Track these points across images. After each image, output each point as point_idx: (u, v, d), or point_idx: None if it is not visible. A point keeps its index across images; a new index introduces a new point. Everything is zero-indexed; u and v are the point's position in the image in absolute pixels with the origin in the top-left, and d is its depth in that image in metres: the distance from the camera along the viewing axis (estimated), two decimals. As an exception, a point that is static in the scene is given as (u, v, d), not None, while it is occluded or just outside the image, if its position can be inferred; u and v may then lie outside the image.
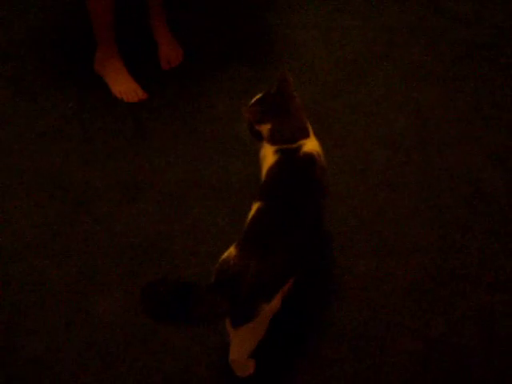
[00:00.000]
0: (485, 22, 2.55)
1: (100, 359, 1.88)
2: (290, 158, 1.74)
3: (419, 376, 1.83)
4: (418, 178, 2.17)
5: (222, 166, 2.22)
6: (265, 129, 1.77)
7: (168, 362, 1.87)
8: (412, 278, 1.98)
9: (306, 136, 1.78)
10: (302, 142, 1.76)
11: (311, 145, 1.77)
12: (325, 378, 1.84)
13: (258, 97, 1.82)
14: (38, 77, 2.46)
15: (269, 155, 1.77)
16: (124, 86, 2.37)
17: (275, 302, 1.63)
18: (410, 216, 2.09)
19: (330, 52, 2.46)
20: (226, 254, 1.63)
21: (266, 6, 2.64)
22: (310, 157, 1.75)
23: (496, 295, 1.94)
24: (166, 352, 1.89)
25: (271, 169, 1.75)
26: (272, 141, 1.77)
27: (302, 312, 1.93)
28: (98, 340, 1.91)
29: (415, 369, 1.84)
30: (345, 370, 1.84)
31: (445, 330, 1.89)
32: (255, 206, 1.70)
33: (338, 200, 2.11)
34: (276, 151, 1.76)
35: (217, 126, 2.32)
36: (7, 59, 2.50)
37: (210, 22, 2.60)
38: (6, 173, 2.24)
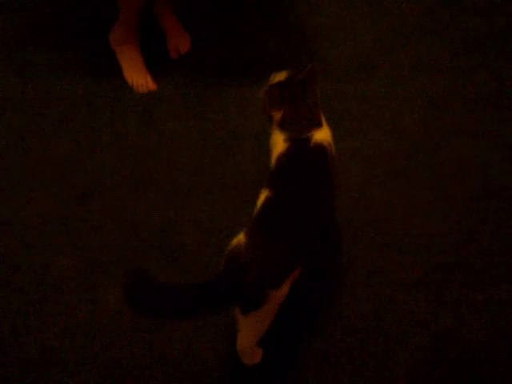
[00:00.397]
0: (496, 11, 2.53)
1: (107, 348, 1.89)
2: (300, 147, 1.74)
3: (426, 369, 1.83)
4: (427, 169, 2.16)
5: (231, 155, 2.22)
6: (277, 114, 1.77)
7: (176, 351, 1.88)
8: (420, 269, 1.98)
9: (318, 126, 1.77)
10: (313, 132, 1.75)
11: (322, 135, 1.76)
12: (331, 369, 1.84)
13: (279, 78, 1.81)
14: (46, 64, 2.45)
15: (279, 142, 1.77)
16: (137, 75, 2.36)
17: (284, 290, 1.63)
18: (418, 208, 2.09)
19: (339, 43, 2.45)
20: (235, 241, 1.63)
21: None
22: (320, 147, 1.74)
23: (506, 288, 1.94)
24: (173, 341, 1.89)
25: (281, 157, 1.75)
26: (283, 128, 1.77)
27: (308, 303, 1.93)
28: (105, 328, 1.92)
29: (422, 362, 1.84)
30: (351, 361, 1.85)
31: (453, 323, 1.89)
32: (264, 194, 1.70)
33: (346, 191, 2.11)
34: (286, 139, 1.76)
35: (226, 114, 2.31)
36: (16, 46, 2.50)
37: (217, 8, 2.59)
38: (14, 160, 2.24)
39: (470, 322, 1.89)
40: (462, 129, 2.24)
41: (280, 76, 1.81)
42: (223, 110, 2.33)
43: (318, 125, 1.77)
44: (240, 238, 1.63)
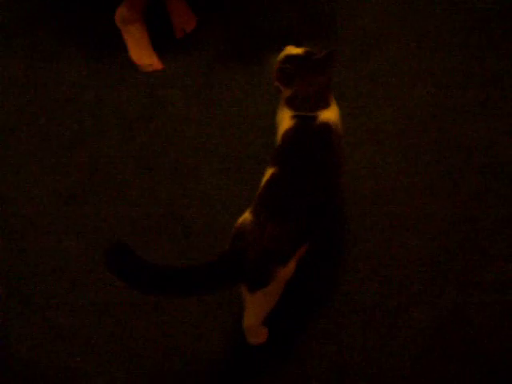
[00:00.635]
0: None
1: (114, 325, 1.91)
2: (306, 125, 1.74)
3: (430, 348, 1.84)
4: (433, 148, 2.15)
5: (236, 135, 2.22)
6: (287, 92, 1.76)
7: (181, 331, 1.89)
8: (425, 249, 1.98)
9: (326, 106, 1.76)
10: (320, 110, 1.75)
11: (329, 114, 1.76)
12: (335, 348, 1.85)
13: (295, 52, 1.79)
14: (51, 45, 2.44)
15: (285, 119, 1.76)
16: (143, 55, 2.35)
17: (290, 266, 1.64)
18: (424, 187, 2.08)
19: (345, 22, 2.43)
20: (240, 220, 1.64)
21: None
22: (326, 125, 1.74)
23: (508, 267, 1.94)
24: (178, 321, 1.90)
25: (287, 134, 1.74)
26: (290, 105, 1.76)
27: (313, 282, 1.94)
28: (112, 306, 1.94)
29: (426, 341, 1.85)
30: (356, 340, 1.86)
31: (458, 303, 1.89)
32: (270, 171, 1.70)
33: (352, 170, 2.11)
34: (293, 117, 1.75)
35: (232, 93, 2.30)
36: (20, 30, 2.49)
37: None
38: (20, 141, 2.25)
39: (475, 302, 1.89)
40: (469, 108, 2.23)
41: (296, 51, 1.79)
42: (229, 89, 2.32)
43: (326, 105, 1.77)
44: (246, 215, 1.63)
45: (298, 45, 1.82)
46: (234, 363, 1.85)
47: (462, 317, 1.88)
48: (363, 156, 2.15)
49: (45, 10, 2.52)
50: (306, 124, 1.74)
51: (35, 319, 1.93)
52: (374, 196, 2.07)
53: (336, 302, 1.91)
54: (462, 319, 1.88)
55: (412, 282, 1.93)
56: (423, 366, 1.83)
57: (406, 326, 1.87)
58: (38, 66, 2.40)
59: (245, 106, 2.27)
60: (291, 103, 1.76)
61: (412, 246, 1.99)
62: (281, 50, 1.82)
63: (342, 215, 2.05)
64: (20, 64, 2.41)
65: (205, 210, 2.08)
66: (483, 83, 2.28)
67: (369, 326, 1.88)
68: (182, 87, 2.33)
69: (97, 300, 1.95)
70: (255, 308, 1.71)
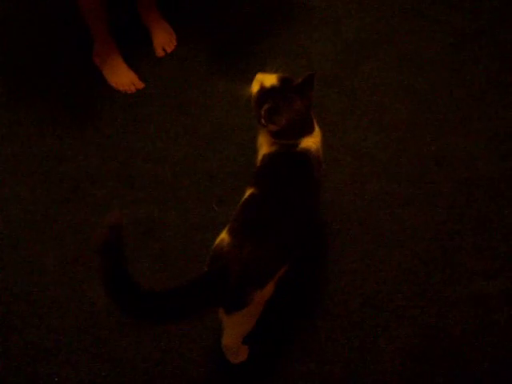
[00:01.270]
0: (481, 7, 2.53)
1: (95, 343, 1.89)
2: (287, 150, 1.72)
3: (412, 364, 1.84)
4: (413, 164, 2.16)
5: (217, 153, 2.21)
6: (273, 128, 1.70)
7: (163, 346, 1.88)
8: (406, 265, 1.98)
9: (310, 132, 1.75)
10: (303, 138, 1.73)
11: (311, 140, 1.74)
12: (318, 364, 1.84)
13: (269, 81, 1.73)
14: (32, 60, 2.44)
15: (266, 144, 1.75)
16: (121, 78, 2.35)
17: (268, 289, 1.63)
18: (404, 203, 2.09)
19: (325, 38, 2.44)
20: (218, 241, 1.63)
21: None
22: (306, 151, 1.73)
23: (490, 282, 1.94)
24: (160, 336, 1.89)
25: (268, 157, 1.73)
26: (275, 136, 1.73)
27: (294, 299, 1.93)
28: (92, 324, 1.92)
29: (408, 356, 1.85)
30: (339, 356, 1.85)
31: (438, 317, 1.90)
32: (248, 191, 1.69)
33: (332, 186, 2.11)
34: (275, 143, 1.73)
35: (212, 109, 2.31)
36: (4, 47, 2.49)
37: (203, 4, 2.57)
38: (0, 157, 2.23)
39: (456, 317, 1.90)
40: (447, 124, 2.24)
41: (270, 80, 1.73)
42: (209, 105, 2.32)
43: (310, 131, 1.75)
44: (223, 236, 1.62)
45: (271, 67, 1.77)
46: (216, 381, 1.84)
47: (443, 332, 1.88)
48: (344, 171, 2.15)
49: (27, 24, 2.52)
50: (286, 149, 1.72)
51: (12, 338, 1.91)
52: (354, 211, 2.08)
53: (317, 319, 1.91)
54: (443, 334, 1.88)
55: (393, 298, 1.93)
56: (406, 381, 1.82)
57: (388, 342, 1.87)
58: (19, 80, 2.39)
59: (224, 122, 2.27)
60: (278, 135, 1.72)
61: (393, 261, 1.99)
62: (253, 75, 1.78)
63: (323, 231, 2.05)
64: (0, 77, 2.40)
65: (185, 227, 2.07)
66: (463, 99, 2.30)
67: (350, 342, 1.88)
68: (162, 104, 2.32)
69: (77, 318, 1.93)
70: (233, 329, 1.70)
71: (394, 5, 2.53)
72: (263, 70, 1.77)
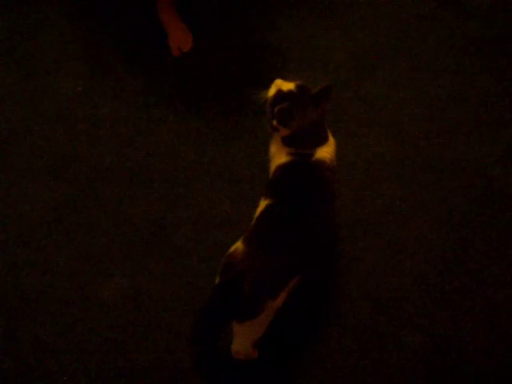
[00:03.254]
0: (498, 15, 2.52)
1: (103, 343, 1.89)
2: (302, 161, 1.73)
3: (423, 371, 1.83)
4: (427, 172, 2.15)
5: (230, 154, 2.21)
6: (285, 131, 1.72)
7: (171, 348, 1.87)
8: (418, 273, 1.97)
9: (324, 142, 1.75)
10: (317, 148, 1.74)
11: (326, 151, 1.75)
12: (328, 370, 1.84)
13: (286, 87, 1.75)
14: (47, 58, 2.44)
15: (281, 154, 1.74)
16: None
17: (280, 299, 1.62)
18: (417, 210, 2.08)
19: (341, 43, 2.44)
20: (232, 249, 1.63)
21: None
22: (321, 162, 1.73)
23: (503, 292, 1.93)
24: (169, 338, 1.89)
25: (282, 168, 1.73)
26: (289, 144, 1.73)
27: (306, 304, 1.93)
28: (101, 324, 1.92)
29: (419, 363, 1.84)
30: (348, 363, 1.84)
31: (450, 326, 1.89)
32: (264, 203, 1.69)
33: (346, 192, 2.10)
34: (289, 153, 1.73)
35: (226, 114, 2.30)
36: (17, 41, 2.48)
37: (220, 5, 2.57)
38: (13, 154, 2.23)
39: (468, 326, 1.89)
40: (461, 131, 2.23)
41: (287, 86, 1.75)
42: (223, 108, 2.31)
43: (324, 141, 1.76)
44: (238, 244, 1.62)
45: (286, 77, 1.79)
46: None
47: (454, 340, 1.87)
48: (357, 177, 2.15)
49: (40, 23, 2.52)
50: (301, 160, 1.72)
51: (22, 336, 1.91)
52: (367, 219, 2.07)
53: (328, 325, 1.90)
54: (454, 343, 1.87)
55: (404, 306, 1.92)
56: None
57: (398, 350, 1.86)
58: (33, 80, 2.39)
59: (240, 127, 2.27)
60: (289, 141, 1.73)
61: (404, 269, 1.98)
62: (270, 83, 1.79)
63: (336, 238, 2.04)
64: (14, 78, 2.40)
65: (196, 229, 2.07)
66: (477, 106, 2.29)
67: (360, 349, 1.87)
68: (177, 106, 2.32)
69: (87, 318, 1.93)
70: (243, 336, 1.70)
71: (410, 11, 2.52)
72: (282, 77, 1.78)
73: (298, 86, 1.74)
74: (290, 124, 1.69)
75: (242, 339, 1.70)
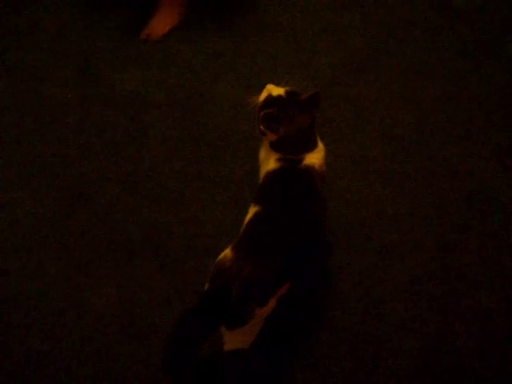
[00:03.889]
0: (487, 17, 2.53)
1: (95, 352, 1.88)
2: (291, 167, 1.73)
3: (416, 374, 1.83)
4: (417, 175, 2.15)
5: (221, 160, 2.21)
6: (272, 136, 1.73)
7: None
8: (410, 276, 1.97)
9: (313, 148, 1.75)
10: (306, 154, 1.74)
11: (315, 157, 1.75)
12: (321, 375, 1.83)
13: (276, 92, 1.76)
14: (36, 65, 2.44)
15: (270, 160, 1.75)
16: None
17: (269, 306, 1.62)
18: (408, 213, 2.08)
19: (330, 46, 2.44)
20: (221, 256, 1.62)
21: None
22: (310, 168, 1.73)
23: (494, 295, 1.94)
24: (161, 345, 1.88)
25: (271, 174, 1.73)
26: (277, 149, 1.74)
27: (298, 308, 1.92)
28: (93, 332, 1.91)
29: (412, 367, 1.84)
30: (342, 367, 1.84)
31: (442, 329, 1.89)
32: (253, 210, 1.69)
33: (336, 196, 2.10)
34: (279, 159, 1.73)
35: (217, 119, 2.30)
36: (6, 47, 2.48)
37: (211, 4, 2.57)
38: (2, 162, 2.23)
39: (460, 329, 1.89)
40: (452, 134, 2.24)
41: (278, 91, 1.75)
42: (213, 112, 2.32)
43: (313, 147, 1.76)
44: (226, 252, 1.62)
45: (278, 82, 1.79)
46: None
47: (445, 344, 1.87)
48: (348, 181, 2.15)
49: (30, 29, 2.51)
50: (290, 166, 1.72)
51: (13, 344, 1.90)
52: (358, 222, 2.07)
53: (320, 330, 1.90)
54: (445, 347, 1.87)
55: (396, 309, 1.92)
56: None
57: (391, 355, 1.86)
58: (22, 87, 2.39)
59: (230, 130, 2.27)
60: (277, 147, 1.73)
61: (396, 273, 1.98)
62: (262, 87, 1.80)
63: (327, 245, 2.04)
64: (3, 84, 2.40)
65: (188, 234, 2.06)
66: (467, 108, 2.29)
67: (353, 353, 1.86)
68: (166, 111, 2.32)
69: (78, 326, 1.93)
70: (233, 343, 1.69)
71: (400, 14, 2.53)
72: (275, 83, 1.79)
73: (287, 92, 1.74)
74: (276, 129, 1.69)
75: (233, 346, 1.69)
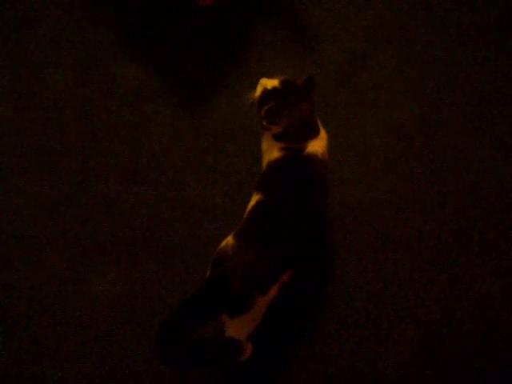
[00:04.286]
0: (491, 5, 2.51)
1: (97, 339, 1.89)
2: (294, 156, 1.72)
3: (418, 361, 1.84)
4: (420, 163, 2.15)
5: (222, 148, 2.20)
6: (275, 129, 1.73)
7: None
8: (412, 265, 1.97)
9: (316, 135, 1.75)
10: (309, 141, 1.73)
11: (317, 144, 1.75)
12: (323, 362, 1.84)
13: (271, 85, 1.76)
14: (38, 52, 2.43)
15: (273, 150, 1.74)
16: None
17: (271, 293, 1.62)
18: (411, 203, 2.08)
19: (334, 35, 2.43)
20: (223, 244, 1.62)
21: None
22: (313, 156, 1.73)
23: (496, 283, 1.94)
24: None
25: (274, 163, 1.73)
26: (280, 139, 1.74)
27: (300, 297, 1.93)
28: (95, 320, 1.92)
29: (414, 354, 1.85)
30: (343, 354, 1.85)
31: (443, 317, 1.89)
32: (255, 198, 1.68)
33: (339, 186, 2.10)
34: (281, 148, 1.73)
35: (217, 109, 2.29)
36: (8, 35, 2.47)
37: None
38: (4, 151, 2.22)
39: (459, 317, 1.89)
40: (455, 123, 2.23)
41: (272, 83, 1.76)
42: (214, 102, 2.30)
43: (315, 134, 1.75)
44: (228, 239, 1.62)
45: (272, 74, 1.79)
46: (220, 380, 1.84)
47: (448, 331, 1.88)
48: (350, 169, 2.14)
49: (31, 17, 2.50)
50: (293, 155, 1.72)
51: (16, 332, 1.91)
52: (361, 212, 2.07)
53: (322, 318, 1.90)
54: (448, 334, 1.87)
55: (400, 298, 1.93)
56: (410, 380, 1.82)
57: (394, 342, 1.86)
58: (24, 74, 2.38)
59: (232, 120, 2.26)
60: (280, 137, 1.73)
61: (399, 261, 1.98)
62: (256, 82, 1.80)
63: (329, 230, 2.04)
64: (4, 72, 2.38)
65: (189, 223, 2.06)
66: (471, 99, 2.28)
67: (356, 340, 1.87)
68: (169, 102, 2.31)
69: (80, 314, 1.93)
70: (235, 331, 1.69)
71: (403, 1, 2.51)
72: (269, 74, 1.79)
73: (281, 82, 1.75)
74: (279, 121, 1.70)
75: (234, 333, 1.70)
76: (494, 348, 1.85)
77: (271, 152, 1.74)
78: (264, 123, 1.70)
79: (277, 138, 1.73)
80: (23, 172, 2.18)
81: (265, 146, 1.78)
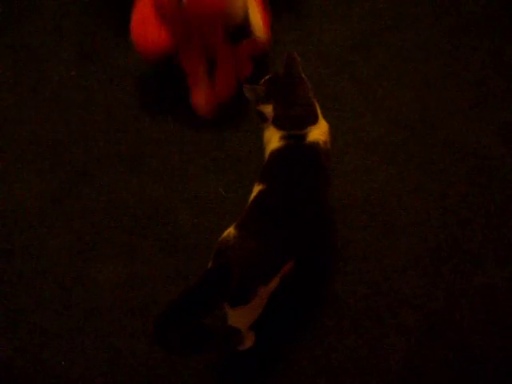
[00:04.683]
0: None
1: (100, 328, 1.90)
2: (295, 145, 1.72)
3: (418, 351, 1.84)
4: (422, 152, 2.14)
5: (226, 137, 2.20)
6: (269, 111, 1.73)
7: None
8: (413, 252, 1.97)
9: (314, 122, 1.74)
10: (309, 128, 1.73)
11: (318, 132, 1.74)
12: (325, 351, 1.84)
13: (265, 78, 1.79)
14: (39, 43, 2.42)
15: (274, 140, 1.74)
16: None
17: (273, 284, 1.62)
18: (412, 190, 2.08)
19: (335, 23, 2.42)
20: (225, 234, 1.62)
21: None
22: (315, 144, 1.72)
23: (497, 271, 1.94)
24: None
25: (276, 153, 1.73)
26: (278, 125, 1.73)
27: (302, 284, 1.93)
28: (98, 309, 1.93)
29: (415, 344, 1.85)
30: (345, 343, 1.85)
31: (445, 305, 1.89)
32: (257, 188, 1.68)
33: (341, 173, 2.10)
34: (282, 137, 1.73)
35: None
36: (9, 26, 2.47)
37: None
38: (6, 141, 2.23)
39: (462, 305, 1.89)
40: (456, 111, 2.22)
41: (260, 88, 1.78)
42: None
43: (315, 120, 1.74)
44: (230, 230, 1.62)
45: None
46: (223, 368, 1.85)
47: (450, 321, 1.88)
48: (352, 159, 2.14)
49: (32, 7, 2.50)
50: (294, 144, 1.72)
51: (20, 322, 1.92)
52: (363, 199, 2.06)
53: (324, 306, 1.91)
54: (450, 323, 1.88)
55: (400, 286, 1.93)
56: (411, 369, 1.82)
57: (395, 330, 1.87)
58: (25, 65, 2.38)
59: (233, 110, 2.25)
60: (279, 123, 1.73)
61: (401, 249, 1.98)
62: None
63: (331, 224, 2.04)
64: (6, 63, 2.38)
65: (192, 212, 2.07)
66: (472, 85, 2.27)
67: (357, 329, 1.87)
68: (170, 91, 2.30)
69: (83, 302, 1.94)
70: (237, 321, 1.70)
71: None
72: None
73: (267, 79, 1.79)
74: (267, 99, 1.73)
75: (236, 323, 1.70)
76: (496, 337, 1.85)
77: (273, 142, 1.74)
78: (254, 105, 1.75)
79: (276, 124, 1.73)
80: (26, 162, 2.18)
81: (267, 135, 1.78)
